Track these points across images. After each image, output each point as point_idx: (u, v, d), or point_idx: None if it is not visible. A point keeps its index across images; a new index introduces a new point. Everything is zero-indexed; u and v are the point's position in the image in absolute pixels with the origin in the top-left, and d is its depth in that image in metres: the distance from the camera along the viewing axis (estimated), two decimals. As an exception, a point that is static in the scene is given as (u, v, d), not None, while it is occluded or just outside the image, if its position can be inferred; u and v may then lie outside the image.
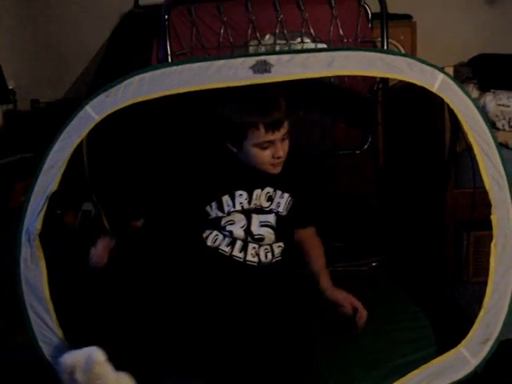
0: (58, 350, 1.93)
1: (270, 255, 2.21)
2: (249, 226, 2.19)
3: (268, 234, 2.21)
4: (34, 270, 1.94)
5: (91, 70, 3.60)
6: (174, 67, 2.01)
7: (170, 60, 2.73)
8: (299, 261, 2.34)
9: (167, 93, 2.01)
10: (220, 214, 2.18)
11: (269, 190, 2.22)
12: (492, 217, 1.97)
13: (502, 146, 2.05)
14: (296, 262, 2.33)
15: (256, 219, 2.20)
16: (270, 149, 2.09)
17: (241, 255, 2.18)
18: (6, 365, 2.25)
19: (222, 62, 1.98)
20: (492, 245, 1.97)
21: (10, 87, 3.50)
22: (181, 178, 2.23)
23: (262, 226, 2.21)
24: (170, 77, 2.00)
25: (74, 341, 2.01)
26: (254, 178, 2.18)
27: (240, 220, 2.19)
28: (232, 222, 2.19)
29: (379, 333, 2.20)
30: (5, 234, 2.10)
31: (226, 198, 2.18)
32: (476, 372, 1.92)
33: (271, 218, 2.22)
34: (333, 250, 2.47)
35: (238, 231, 2.18)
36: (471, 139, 1.99)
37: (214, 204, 2.18)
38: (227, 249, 2.18)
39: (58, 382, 1.90)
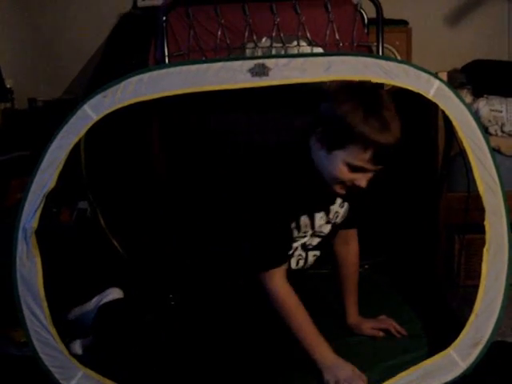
0: (51, 348, 1.94)
1: (302, 262, 2.14)
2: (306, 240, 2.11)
3: (316, 242, 2.13)
4: (29, 268, 1.93)
5: (89, 70, 3.61)
6: (172, 69, 2.03)
7: (167, 61, 2.75)
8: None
9: (165, 94, 2.02)
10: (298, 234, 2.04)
11: (339, 201, 2.08)
12: (485, 222, 1.98)
13: (494, 151, 2.07)
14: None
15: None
16: (356, 174, 1.86)
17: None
18: (5, 362, 2.25)
19: (220, 64, 2.00)
20: (484, 250, 1.98)
21: (8, 86, 3.50)
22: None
23: (315, 235, 2.12)
24: (168, 78, 2.01)
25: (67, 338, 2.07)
26: (328, 195, 2.00)
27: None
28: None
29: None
30: (1, 230, 2.11)
31: (304, 219, 2.02)
32: (465, 375, 1.93)
33: (327, 229, 2.12)
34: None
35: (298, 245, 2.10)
36: (466, 145, 2.01)
37: (293, 224, 2.02)
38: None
39: (52, 379, 1.94)
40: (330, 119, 1.87)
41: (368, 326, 2.22)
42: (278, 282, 1.92)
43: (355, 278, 2.27)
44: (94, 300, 2.29)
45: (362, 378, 1.88)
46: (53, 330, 1.95)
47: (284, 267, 1.96)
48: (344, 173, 1.85)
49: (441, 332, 2.16)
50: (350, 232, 2.26)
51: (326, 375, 1.89)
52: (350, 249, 2.26)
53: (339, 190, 1.92)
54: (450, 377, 1.93)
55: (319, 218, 2.06)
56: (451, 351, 1.95)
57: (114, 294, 2.30)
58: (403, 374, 1.92)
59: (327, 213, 2.07)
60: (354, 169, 1.84)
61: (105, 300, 2.27)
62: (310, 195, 1.97)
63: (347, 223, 2.21)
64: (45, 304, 1.95)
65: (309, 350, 1.92)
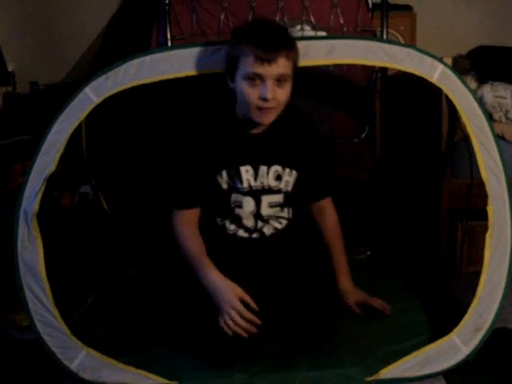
0: (53, 328, 1.95)
1: (271, 229, 2.20)
2: (258, 209, 2.14)
3: (276, 211, 2.18)
4: (30, 250, 1.95)
5: (91, 53, 3.60)
6: (174, 51, 2.02)
7: (169, 44, 2.73)
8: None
9: (166, 77, 2.02)
10: (232, 185, 2.11)
11: (277, 168, 2.13)
12: (488, 208, 1.98)
13: (498, 138, 2.06)
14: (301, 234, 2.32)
15: (266, 201, 2.15)
16: (259, 87, 1.92)
17: (246, 235, 2.19)
18: (7, 346, 2.25)
19: (221, 47, 2.01)
20: (487, 235, 1.99)
21: (10, 69, 3.49)
22: (189, 151, 2.11)
23: (271, 206, 2.16)
24: (170, 61, 2.01)
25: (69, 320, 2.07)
26: (259, 152, 2.09)
27: (248, 203, 2.13)
28: (239, 204, 2.13)
29: (372, 320, 2.22)
30: (3, 214, 2.11)
31: (232, 173, 2.10)
32: (467, 360, 1.94)
33: (280, 198, 2.17)
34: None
35: (247, 216, 2.14)
36: (469, 130, 2.01)
37: (223, 174, 2.11)
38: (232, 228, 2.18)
39: (55, 360, 1.94)
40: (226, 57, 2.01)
41: (353, 299, 2.26)
42: (179, 224, 2.12)
43: (339, 244, 2.30)
44: None
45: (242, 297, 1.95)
46: (55, 311, 1.96)
47: (192, 212, 2.14)
48: (246, 88, 1.94)
49: (443, 318, 2.16)
50: (321, 204, 2.31)
51: (215, 299, 1.98)
52: (326, 220, 2.31)
53: (258, 114, 1.98)
54: (453, 362, 1.94)
55: (245, 171, 2.10)
56: (454, 336, 1.95)
57: None
58: (405, 358, 1.93)
59: (255, 170, 2.11)
60: (251, 79, 1.92)
61: None
62: (230, 144, 2.09)
63: (313, 195, 2.30)
64: (47, 285, 1.96)
65: (199, 275, 2.03)
